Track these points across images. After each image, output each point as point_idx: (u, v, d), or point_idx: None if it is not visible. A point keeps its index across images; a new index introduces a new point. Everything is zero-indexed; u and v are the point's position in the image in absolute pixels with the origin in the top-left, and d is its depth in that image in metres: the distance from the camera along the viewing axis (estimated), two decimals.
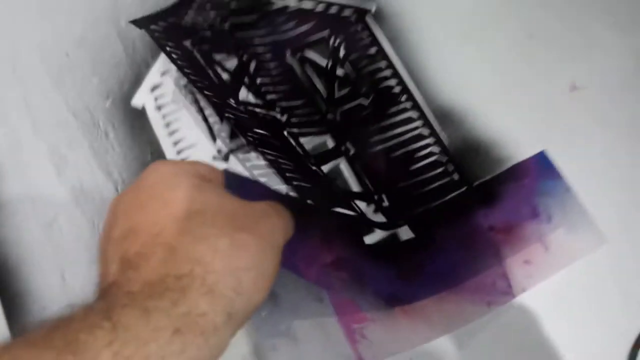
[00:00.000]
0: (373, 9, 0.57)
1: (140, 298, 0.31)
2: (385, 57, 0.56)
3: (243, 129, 0.56)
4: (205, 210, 0.36)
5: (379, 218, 0.53)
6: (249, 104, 0.57)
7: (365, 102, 0.56)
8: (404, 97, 0.55)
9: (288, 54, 0.57)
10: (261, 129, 0.56)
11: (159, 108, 0.58)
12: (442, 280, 0.50)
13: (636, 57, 0.53)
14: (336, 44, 0.57)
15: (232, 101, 0.57)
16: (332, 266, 0.50)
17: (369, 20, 0.57)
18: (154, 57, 0.59)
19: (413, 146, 0.54)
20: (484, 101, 0.54)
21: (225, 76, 0.58)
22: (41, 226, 0.55)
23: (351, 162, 0.54)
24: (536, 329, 0.49)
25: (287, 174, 0.54)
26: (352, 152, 0.55)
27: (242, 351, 0.51)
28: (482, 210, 0.51)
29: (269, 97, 0.57)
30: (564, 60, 0.54)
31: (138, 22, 0.60)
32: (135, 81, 0.59)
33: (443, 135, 0.54)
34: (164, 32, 0.59)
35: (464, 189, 0.53)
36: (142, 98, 0.59)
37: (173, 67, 0.58)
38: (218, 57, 0.58)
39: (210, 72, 0.58)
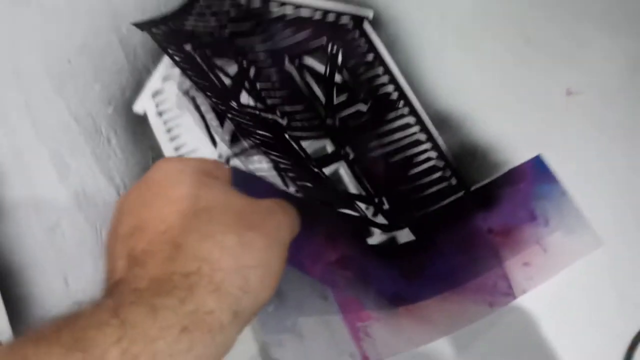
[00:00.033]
0: (370, 16, 0.57)
1: (148, 295, 0.31)
2: (382, 63, 0.56)
3: (246, 131, 0.56)
4: (212, 208, 0.36)
5: (380, 220, 0.53)
6: (251, 107, 0.57)
7: (363, 108, 0.56)
8: (401, 103, 0.55)
9: (286, 60, 0.58)
10: (263, 131, 0.56)
11: (160, 114, 0.59)
12: (443, 281, 0.51)
13: (630, 60, 0.53)
14: (334, 51, 0.57)
15: (234, 104, 0.57)
16: (336, 264, 0.50)
17: (366, 27, 0.57)
18: (155, 64, 0.60)
19: (411, 151, 0.54)
20: (481, 106, 0.54)
21: (226, 80, 0.58)
22: (44, 231, 0.56)
23: (351, 165, 0.55)
24: (533, 331, 0.49)
25: (290, 174, 0.55)
26: (351, 156, 0.55)
27: (249, 351, 0.51)
28: (480, 214, 0.52)
29: (269, 101, 0.57)
30: (560, 65, 0.54)
31: (140, 25, 0.60)
32: (137, 87, 0.59)
33: (440, 141, 0.54)
34: (165, 35, 0.59)
35: (461, 193, 0.53)
36: (143, 104, 0.59)
37: (175, 73, 0.59)
38: (219, 62, 0.58)
39: (211, 75, 0.58)
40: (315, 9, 0.58)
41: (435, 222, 0.53)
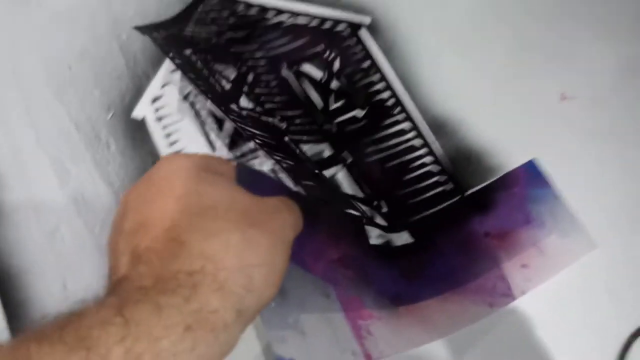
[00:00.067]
0: (368, 22, 0.58)
1: (152, 294, 0.31)
2: (378, 70, 0.57)
3: (248, 132, 0.56)
4: (216, 205, 0.36)
5: (380, 222, 0.53)
6: (251, 109, 0.57)
7: (360, 114, 0.56)
8: (397, 110, 0.55)
9: (284, 67, 0.58)
10: (264, 133, 0.56)
11: (159, 119, 0.59)
12: (443, 282, 0.51)
13: (624, 65, 0.53)
14: (330, 58, 0.57)
15: (234, 106, 0.57)
16: (338, 262, 0.50)
17: (363, 34, 0.58)
18: (155, 70, 0.60)
19: (407, 157, 0.55)
20: (476, 111, 0.54)
21: (226, 84, 0.58)
22: (43, 235, 0.55)
23: (349, 169, 0.55)
24: (528, 333, 0.49)
25: (292, 174, 0.55)
26: (349, 160, 0.55)
27: (253, 350, 0.51)
28: (477, 217, 0.52)
29: (268, 105, 0.57)
30: (554, 71, 0.54)
31: (141, 29, 0.60)
32: (136, 93, 0.60)
33: (436, 146, 0.54)
34: (165, 40, 0.60)
35: (457, 197, 0.53)
36: (142, 110, 0.59)
37: (174, 79, 0.59)
38: (218, 67, 0.59)
39: (211, 79, 0.58)
40: (312, 17, 0.59)
41: (433, 226, 0.53)
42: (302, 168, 0.55)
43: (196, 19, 0.60)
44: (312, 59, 0.58)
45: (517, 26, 0.56)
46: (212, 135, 0.58)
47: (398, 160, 0.55)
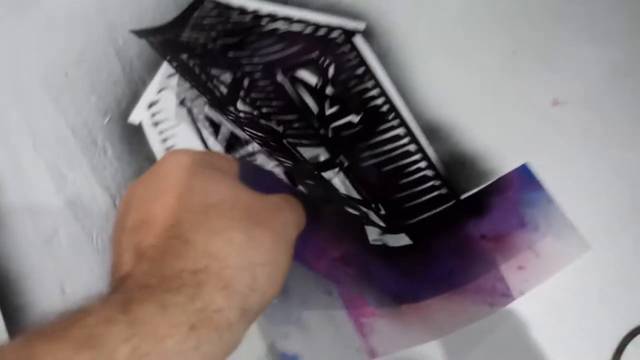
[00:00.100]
0: (362, 28, 0.58)
1: (157, 292, 0.31)
2: (372, 77, 0.57)
3: (248, 132, 0.56)
4: (220, 203, 0.35)
5: (379, 222, 0.54)
6: (248, 112, 0.57)
7: (355, 119, 0.56)
8: (391, 116, 0.56)
9: (279, 73, 0.58)
10: (262, 134, 0.56)
11: (155, 124, 0.59)
12: (443, 282, 0.51)
13: (616, 70, 0.54)
14: (325, 65, 0.58)
15: (232, 109, 0.57)
16: (340, 260, 0.50)
17: (358, 40, 0.58)
18: (151, 75, 0.60)
19: (402, 162, 0.55)
20: (470, 116, 0.54)
21: (223, 88, 0.58)
22: (41, 240, 0.55)
23: (346, 173, 0.55)
24: (524, 335, 0.49)
25: (292, 174, 0.55)
26: (346, 164, 0.55)
27: (257, 349, 0.51)
28: (472, 221, 0.52)
29: (265, 110, 0.57)
30: (547, 75, 0.54)
31: (138, 33, 0.60)
32: (133, 99, 0.60)
33: (431, 151, 0.54)
34: (162, 44, 0.60)
35: (452, 201, 0.53)
36: (139, 115, 0.59)
37: (171, 84, 0.59)
38: (214, 71, 0.59)
39: (209, 83, 0.58)
40: (307, 24, 0.59)
41: (429, 229, 0.53)
42: (302, 168, 0.55)
43: (192, 24, 0.60)
44: (307, 65, 0.58)
45: (510, 32, 0.56)
46: (209, 141, 0.58)
47: (393, 165, 0.55)
